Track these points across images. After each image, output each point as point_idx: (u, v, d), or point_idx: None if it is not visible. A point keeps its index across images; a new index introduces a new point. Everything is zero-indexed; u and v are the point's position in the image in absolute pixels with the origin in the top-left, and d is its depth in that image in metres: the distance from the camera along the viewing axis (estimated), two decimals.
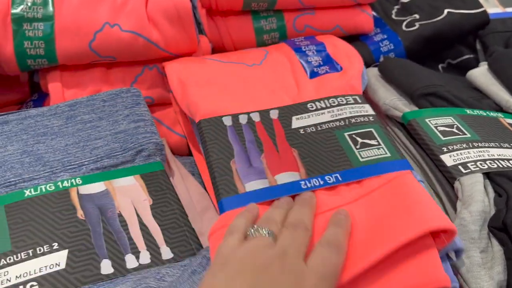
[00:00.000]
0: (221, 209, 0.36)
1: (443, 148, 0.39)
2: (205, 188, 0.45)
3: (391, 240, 0.31)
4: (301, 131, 0.41)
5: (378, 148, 0.39)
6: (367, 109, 0.43)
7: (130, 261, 0.35)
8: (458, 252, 0.32)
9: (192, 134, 0.50)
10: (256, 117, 0.44)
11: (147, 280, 0.34)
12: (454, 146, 0.39)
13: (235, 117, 0.43)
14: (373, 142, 0.39)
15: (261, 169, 0.39)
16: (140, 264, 0.35)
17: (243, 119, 0.43)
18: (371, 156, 0.38)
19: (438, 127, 0.42)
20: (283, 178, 0.37)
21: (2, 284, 0.32)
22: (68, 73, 0.51)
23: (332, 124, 0.41)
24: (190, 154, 0.51)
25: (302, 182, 0.37)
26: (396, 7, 0.65)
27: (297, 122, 0.43)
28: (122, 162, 0.42)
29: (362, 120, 0.42)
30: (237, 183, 0.38)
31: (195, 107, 0.44)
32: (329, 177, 0.37)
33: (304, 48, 0.53)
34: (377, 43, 0.60)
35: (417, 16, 0.62)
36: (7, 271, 0.33)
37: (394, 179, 0.35)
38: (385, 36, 0.60)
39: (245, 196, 0.37)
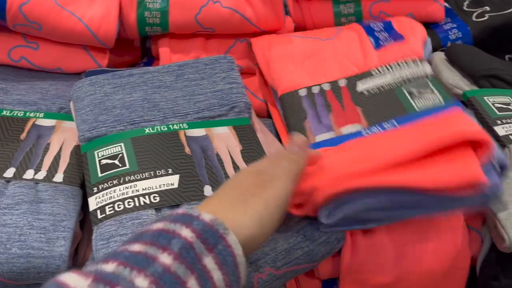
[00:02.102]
0: None
1: (497, 121, 0.45)
2: (281, 143, 0.53)
3: (434, 138, 0.38)
4: (365, 92, 0.49)
5: (434, 99, 0.45)
6: (426, 69, 0.49)
7: None
8: (503, 168, 0.38)
9: (272, 100, 0.59)
10: (327, 87, 0.52)
11: None
12: (508, 120, 0.45)
13: (309, 88, 0.51)
14: (429, 94, 0.45)
15: (329, 125, 0.47)
16: None
17: (315, 90, 0.51)
18: (426, 104, 0.44)
19: (495, 104, 0.47)
20: (348, 129, 0.45)
21: (133, 193, 0.43)
22: (175, 41, 0.61)
23: (393, 84, 0.48)
24: (269, 117, 0.60)
25: (363, 130, 0.44)
26: None
27: (362, 86, 0.50)
28: (218, 115, 0.51)
29: (421, 77, 0.48)
30: (309, 136, 0.46)
31: (278, 83, 0.53)
32: (386, 123, 0.44)
33: (372, 25, 0.60)
34: (446, 31, 0.65)
35: (487, 8, 0.66)
36: (136, 184, 0.43)
37: (444, 112, 0.42)
38: (455, 25, 0.65)
39: (315, 145, 0.45)
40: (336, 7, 0.64)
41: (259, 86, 0.62)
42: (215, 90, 0.53)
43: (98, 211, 0.41)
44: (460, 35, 0.64)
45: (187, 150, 0.47)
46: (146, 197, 0.42)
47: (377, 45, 0.56)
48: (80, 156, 0.47)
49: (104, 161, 0.45)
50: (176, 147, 0.47)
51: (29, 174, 0.46)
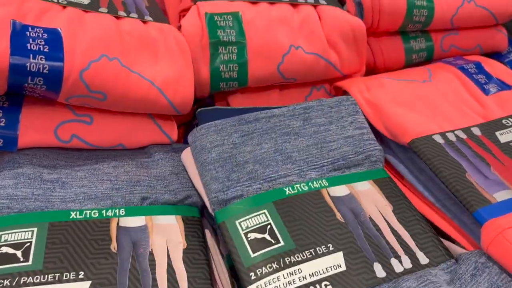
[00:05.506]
0: (481, 219, 0.37)
1: None
2: None
3: None
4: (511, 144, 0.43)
5: None
6: None
7: (396, 265, 0.36)
8: None
9: None
10: (462, 135, 0.45)
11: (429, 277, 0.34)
12: None
13: (443, 135, 0.44)
14: None
15: (499, 181, 0.40)
16: (404, 269, 0.35)
17: (452, 137, 0.45)
18: None
19: None
20: None
21: (299, 281, 0.33)
22: (248, 96, 0.52)
23: None
24: None
25: None
26: None
27: (503, 137, 0.45)
28: (354, 165, 0.43)
29: None
30: (484, 194, 0.39)
31: (402, 128, 0.45)
32: None
33: (466, 66, 0.55)
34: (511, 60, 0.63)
35: None
36: (300, 269, 0.34)
37: None
38: None
39: (500, 205, 0.38)
40: (407, 42, 0.59)
41: None
42: (346, 136, 0.45)
43: None
44: None
45: (339, 216, 0.38)
46: (317, 286, 0.33)
47: (484, 90, 0.51)
48: (198, 264, 0.36)
49: (251, 235, 0.35)
50: (325, 212, 0.38)
51: None
